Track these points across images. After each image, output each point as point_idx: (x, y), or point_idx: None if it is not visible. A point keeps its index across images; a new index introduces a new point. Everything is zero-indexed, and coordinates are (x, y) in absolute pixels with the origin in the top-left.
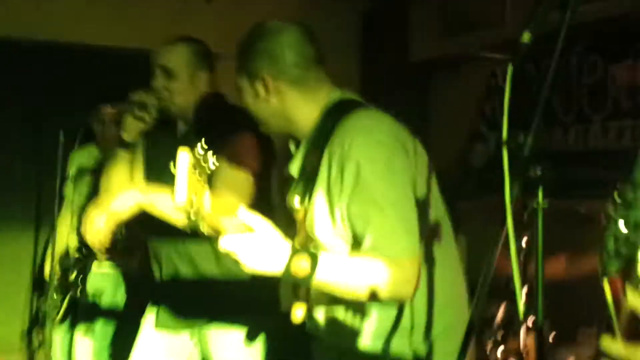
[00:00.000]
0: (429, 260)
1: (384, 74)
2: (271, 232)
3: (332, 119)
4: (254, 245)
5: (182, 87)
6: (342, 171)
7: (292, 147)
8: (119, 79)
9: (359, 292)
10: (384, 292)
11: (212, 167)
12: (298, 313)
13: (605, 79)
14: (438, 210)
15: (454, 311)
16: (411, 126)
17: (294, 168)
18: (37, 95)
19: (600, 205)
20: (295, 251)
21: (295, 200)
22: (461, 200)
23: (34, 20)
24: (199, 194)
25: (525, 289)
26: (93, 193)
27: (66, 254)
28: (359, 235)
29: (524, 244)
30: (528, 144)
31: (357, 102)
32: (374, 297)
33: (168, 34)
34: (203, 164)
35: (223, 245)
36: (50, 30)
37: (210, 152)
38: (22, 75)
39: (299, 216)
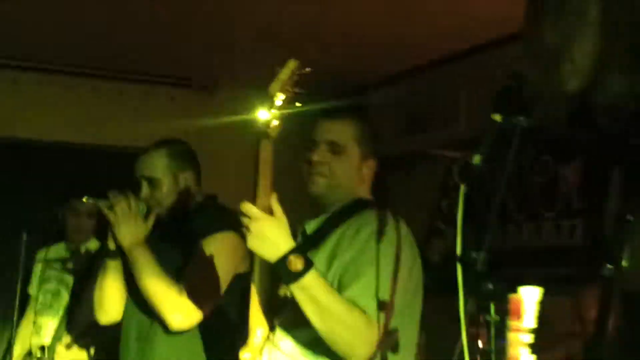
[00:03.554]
0: None
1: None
2: (286, 226)
3: (357, 207)
4: (267, 226)
5: (167, 192)
6: (357, 233)
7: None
8: (82, 176)
9: (328, 322)
10: (346, 337)
11: None
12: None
13: (556, 179)
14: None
15: None
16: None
17: (311, 227)
18: None
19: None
20: (297, 249)
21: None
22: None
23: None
24: None
25: None
26: (57, 293)
27: (28, 353)
28: (343, 283)
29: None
30: (481, 259)
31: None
32: (334, 336)
33: (135, 130)
34: None
35: (246, 209)
36: (15, 128)
37: None
38: None
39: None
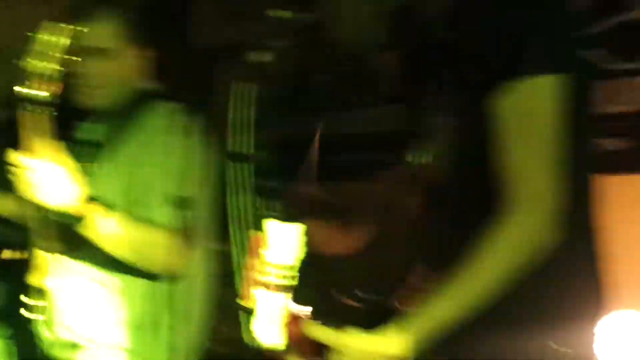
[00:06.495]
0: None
1: (167, 59)
2: (62, 172)
3: (139, 101)
4: (55, 173)
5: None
6: (147, 136)
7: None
8: None
9: (127, 252)
10: (150, 259)
11: None
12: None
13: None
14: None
15: None
16: (197, 112)
17: (87, 132)
18: None
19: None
20: (88, 196)
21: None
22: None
23: None
24: None
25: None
26: None
27: None
28: (140, 200)
29: None
30: (260, 157)
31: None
32: (137, 261)
33: None
34: None
35: (15, 159)
36: None
37: None
38: None
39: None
